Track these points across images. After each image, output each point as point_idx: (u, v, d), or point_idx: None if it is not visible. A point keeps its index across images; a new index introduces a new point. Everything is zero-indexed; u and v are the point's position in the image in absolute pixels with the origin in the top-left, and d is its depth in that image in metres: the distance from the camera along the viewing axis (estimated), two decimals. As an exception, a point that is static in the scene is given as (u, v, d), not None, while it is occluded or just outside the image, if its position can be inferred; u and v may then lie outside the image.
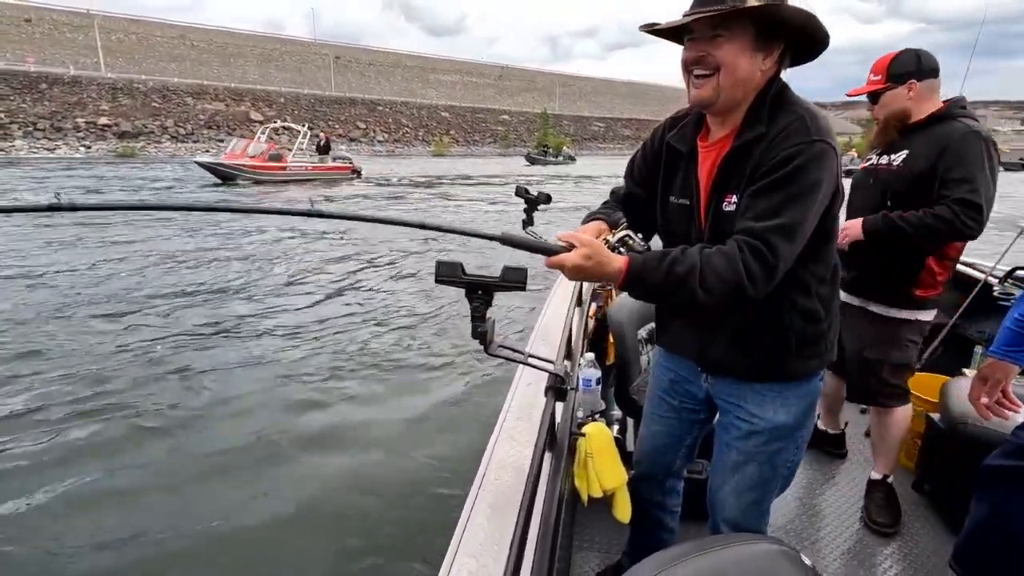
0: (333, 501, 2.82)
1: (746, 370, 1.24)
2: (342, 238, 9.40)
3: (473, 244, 9.19)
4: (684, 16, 1.06)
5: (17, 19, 45.41)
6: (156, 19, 56.46)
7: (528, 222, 2.18)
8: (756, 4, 1.00)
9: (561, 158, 37.71)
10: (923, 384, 2.27)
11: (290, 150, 19.92)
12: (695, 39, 1.07)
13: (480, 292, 1.10)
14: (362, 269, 7.51)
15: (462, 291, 1.10)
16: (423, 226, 1.17)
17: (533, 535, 0.96)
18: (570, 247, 1.05)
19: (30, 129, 30.36)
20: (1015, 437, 1.19)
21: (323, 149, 21.73)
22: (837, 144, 1.07)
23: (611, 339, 2.16)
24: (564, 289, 2.34)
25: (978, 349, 2.63)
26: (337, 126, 44.20)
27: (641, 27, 1.16)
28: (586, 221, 1.33)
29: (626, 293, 1.17)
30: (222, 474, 3.02)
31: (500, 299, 1.11)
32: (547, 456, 1.20)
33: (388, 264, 7.84)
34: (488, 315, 1.09)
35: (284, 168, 18.91)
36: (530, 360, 1.26)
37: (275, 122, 23.40)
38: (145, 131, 33.79)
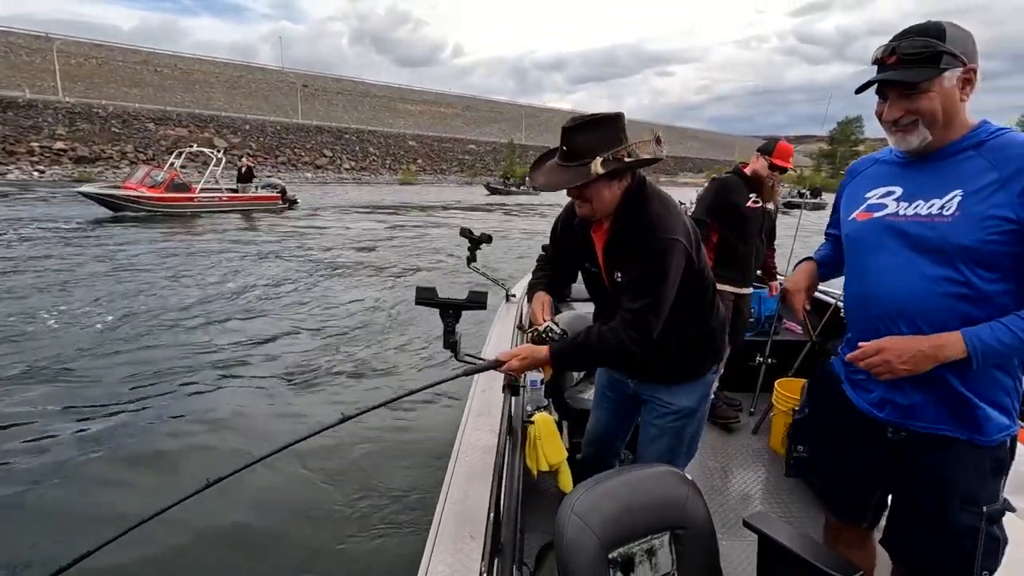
0: (331, 471, 3.32)
1: (659, 377, 1.72)
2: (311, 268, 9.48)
3: (440, 276, 9.50)
4: (554, 170, 1.46)
5: (-30, 41, 44.26)
6: (118, 44, 55.70)
7: (471, 259, 2.59)
8: (600, 171, 1.36)
9: (524, 188, 38.41)
10: (791, 387, 2.85)
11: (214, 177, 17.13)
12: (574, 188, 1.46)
13: (451, 311, 1.47)
14: (346, 290, 7.67)
15: (435, 311, 1.46)
16: (381, 406, 1.43)
17: (504, 494, 1.23)
18: (509, 358, 1.47)
19: (-20, 152, 29.42)
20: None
21: (244, 177, 18.53)
22: (681, 232, 1.44)
23: None
24: (507, 314, 2.76)
25: (834, 359, 3.13)
26: (303, 153, 44.17)
27: (531, 181, 1.54)
28: (531, 291, 1.79)
29: (561, 315, 1.75)
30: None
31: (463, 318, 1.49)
32: (507, 439, 1.53)
33: (367, 290, 8.02)
34: (456, 330, 1.46)
35: (191, 199, 16.15)
36: (488, 365, 1.58)
37: (191, 146, 19.76)
38: (103, 156, 33.14)
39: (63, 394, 4.21)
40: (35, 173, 29.31)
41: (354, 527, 2.84)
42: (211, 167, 17.54)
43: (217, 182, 17.83)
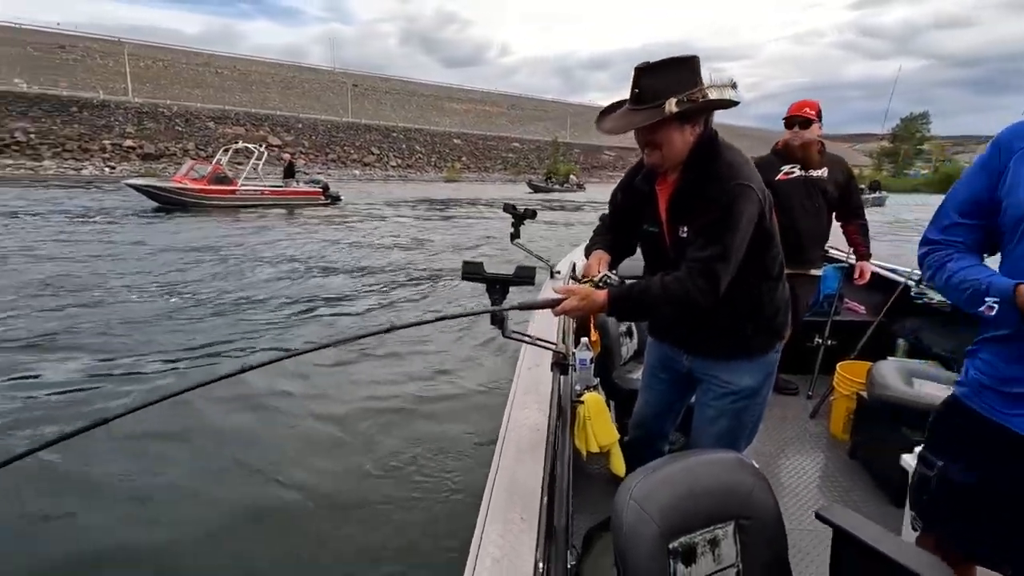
0: (379, 446, 3.37)
1: (718, 352, 1.62)
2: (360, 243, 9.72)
3: (486, 251, 9.57)
4: (624, 114, 1.42)
5: (51, 46, 47.54)
6: (183, 47, 58.75)
7: (515, 235, 2.54)
8: (675, 110, 1.31)
9: (568, 185, 38.15)
10: (854, 370, 2.68)
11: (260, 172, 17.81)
12: (638, 128, 1.40)
13: (498, 286, 1.43)
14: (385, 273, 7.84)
15: (481, 287, 1.43)
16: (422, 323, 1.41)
17: (556, 475, 1.22)
18: (566, 296, 1.42)
19: (59, 150, 31.56)
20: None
21: (288, 172, 19.64)
22: (755, 181, 1.38)
23: (593, 333, 2.53)
24: (550, 293, 2.67)
25: (900, 341, 2.99)
26: (352, 151, 45.29)
27: (598, 126, 1.50)
28: (589, 249, 1.71)
29: None
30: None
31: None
32: (557, 418, 1.50)
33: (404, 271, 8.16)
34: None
35: (233, 192, 16.62)
36: (538, 342, 1.61)
37: (237, 142, 20.25)
38: (167, 153, 34.92)
39: (109, 355, 4.47)
40: (107, 169, 31.18)
41: (403, 504, 2.85)
42: (252, 161, 18.06)
43: (260, 177, 18.28)
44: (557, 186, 37.45)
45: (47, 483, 2.88)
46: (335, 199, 19.06)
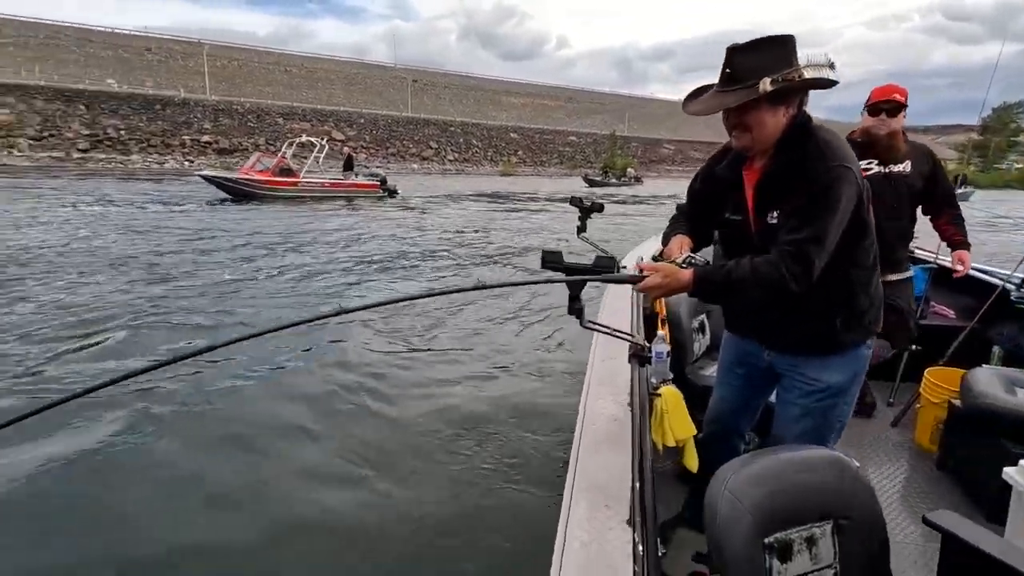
0: (454, 437, 3.32)
1: (804, 346, 1.53)
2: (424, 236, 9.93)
3: (544, 243, 9.57)
4: (714, 95, 1.36)
5: (140, 48, 51.11)
6: (255, 47, 61.76)
7: (581, 228, 2.53)
8: (769, 89, 1.25)
9: (625, 179, 37.49)
10: (945, 377, 2.49)
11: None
12: (728, 110, 1.35)
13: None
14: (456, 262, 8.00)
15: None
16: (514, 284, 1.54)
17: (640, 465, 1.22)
18: (650, 271, 1.37)
19: (144, 145, 33.98)
20: None
21: (347, 165, 20.15)
22: (854, 163, 1.31)
23: (660, 327, 2.47)
24: (619, 289, 2.65)
25: (996, 348, 2.74)
26: (411, 145, 46.30)
27: (685, 108, 1.46)
28: (667, 237, 1.63)
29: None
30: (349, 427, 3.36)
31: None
32: (636, 411, 1.49)
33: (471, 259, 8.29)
34: (581, 296, 1.39)
35: (295, 184, 17.21)
36: (617, 333, 1.59)
37: (301, 136, 20.96)
38: (240, 148, 36.88)
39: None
40: (186, 163, 33.27)
41: (481, 493, 2.78)
42: (313, 154, 18.66)
43: (321, 169, 18.99)
44: (614, 180, 36.93)
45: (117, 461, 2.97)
46: (392, 192, 19.35)
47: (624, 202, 23.63)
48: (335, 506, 2.66)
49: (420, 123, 50.38)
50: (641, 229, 13.73)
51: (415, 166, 43.27)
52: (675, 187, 35.65)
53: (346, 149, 23.43)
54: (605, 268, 1.40)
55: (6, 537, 2.41)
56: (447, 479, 2.91)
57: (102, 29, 53.24)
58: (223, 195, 16.49)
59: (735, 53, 1.32)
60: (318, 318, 1.16)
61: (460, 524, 2.56)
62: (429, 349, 4.79)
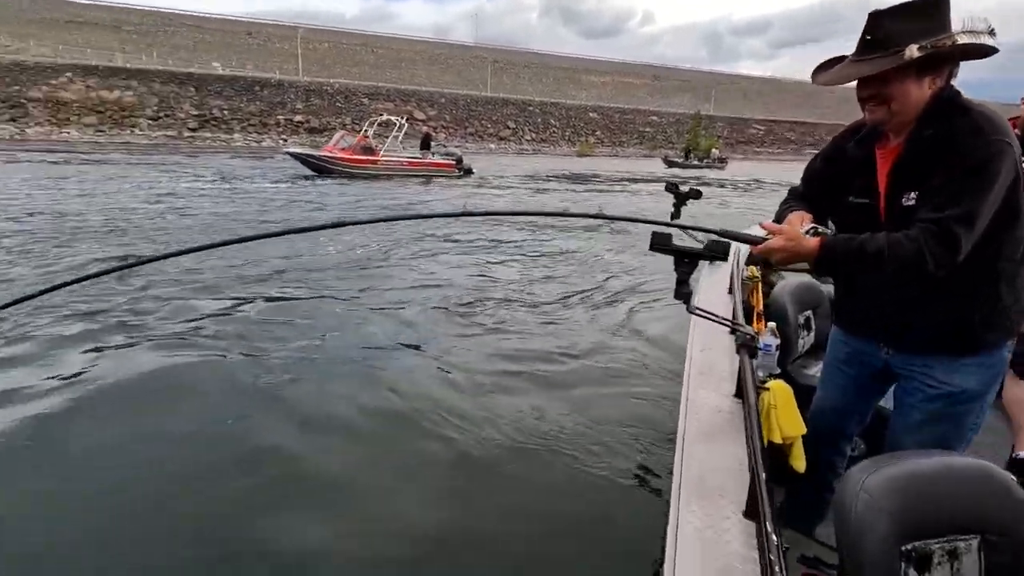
0: (554, 423, 3.18)
1: (934, 345, 1.36)
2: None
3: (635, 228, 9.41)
4: (850, 64, 1.26)
5: (242, 32, 54.60)
6: (345, 29, 64.20)
7: (675, 215, 2.42)
8: (916, 56, 1.13)
9: (707, 161, 35.81)
10: None
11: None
12: (865, 80, 1.23)
13: (687, 260, 1.39)
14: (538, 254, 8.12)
15: (662, 258, 1.40)
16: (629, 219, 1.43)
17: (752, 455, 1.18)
18: (774, 232, 1.29)
19: (244, 124, 36.49)
20: None
21: (424, 144, 20.24)
22: (1014, 140, 1.18)
23: (756, 321, 2.39)
24: (713, 273, 2.60)
25: None
26: (489, 125, 46.61)
27: (814, 79, 1.38)
28: (782, 212, 1.51)
29: (786, 282, 1.45)
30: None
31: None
32: (742, 401, 1.45)
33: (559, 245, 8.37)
34: (690, 280, 1.38)
35: (375, 162, 17.65)
36: (726, 322, 1.57)
37: (382, 115, 21.33)
38: (329, 127, 38.72)
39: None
40: (280, 141, 35.41)
41: (586, 480, 2.70)
42: (393, 133, 19.17)
43: (401, 148, 19.47)
44: (696, 161, 35.38)
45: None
46: (467, 171, 19.44)
47: (709, 184, 22.59)
48: (434, 500, 2.57)
49: (499, 103, 50.53)
50: (726, 215, 13.12)
51: (492, 146, 43.59)
52: (762, 170, 33.68)
53: (424, 128, 23.85)
54: (718, 253, 1.35)
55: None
56: (539, 467, 2.81)
57: (210, 16, 57.32)
58: (308, 171, 17.38)
59: (879, 17, 1.21)
60: (398, 219, 1.14)
61: (562, 514, 2.49)
62: (513, 333, 4.69)
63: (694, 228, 1.40)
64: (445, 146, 24.96)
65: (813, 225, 1.34)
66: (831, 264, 1.28)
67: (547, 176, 23.01)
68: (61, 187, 12.15)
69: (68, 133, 30.41)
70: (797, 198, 1.55)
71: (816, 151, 1.65)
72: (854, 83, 1.28)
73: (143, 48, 45.66)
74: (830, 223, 1.35)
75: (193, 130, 34.63)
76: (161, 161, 20.58)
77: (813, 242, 1.25)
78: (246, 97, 38.63)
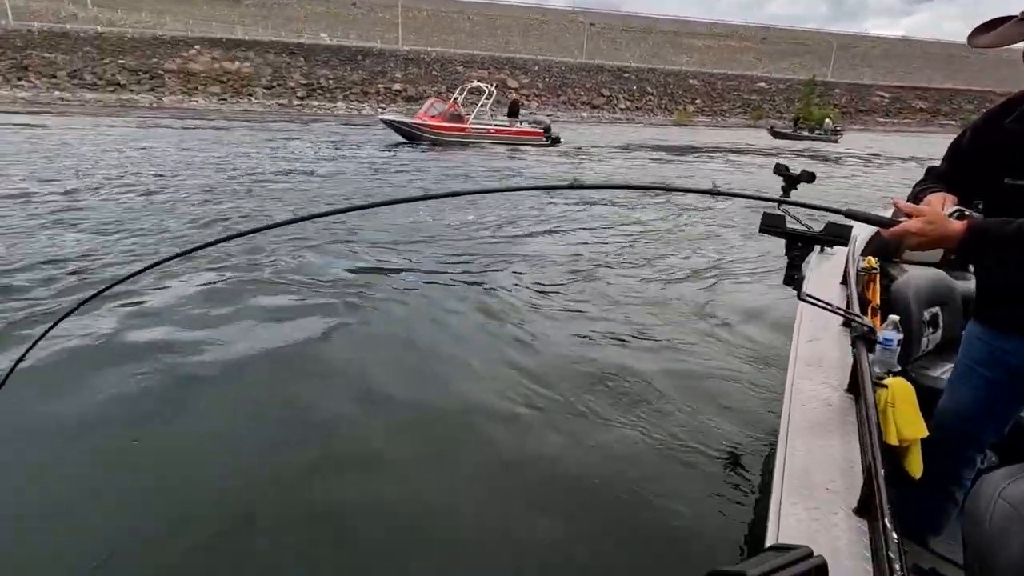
0: (653, 411, 3.10)
1: None
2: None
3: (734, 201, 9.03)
4: (1015, 24, 1.14)
5: (346, 3, 56.67)
6: (443, -4, 64.63)
7: (785, 199, 2.29)
8: None
9: (819, 132, 32.87)
10: None
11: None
12: None
13: (800, 244, 1.30)
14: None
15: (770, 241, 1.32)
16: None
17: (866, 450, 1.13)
18: (912, 214, 1.18)
19: (347, 93, 38.20)
20: None
21: (512, 112, 19.66)
22: None
23: (871, 315, 2.28)
24: (822, 263, 2.48)
25: None
26: (583, 93, 45.52)
27: (971, 42, 1.26)
28: (917, 193, 1.40)
29: (909, 275, 1.35)
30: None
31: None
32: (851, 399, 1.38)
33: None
34: (803, 266, 1.29)
35: (463, 130, 17.61)
36: (841, 311, 1.50)
37: (472, 82, 21.06)
38: (424, 96, 39.59)
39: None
40: (379, 109, 36.77)
41: (685, 470, 2.63)
42: (482, 100, 19.02)
43: (489, 115, 19.42)
44: (806, 132, 32.56)
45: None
46: (555, 140, 19.01)
47: (818, 157, 20.78)
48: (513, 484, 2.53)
49: (594, 69, 49.10)
50: (845, 195, 12.09)
51: (584, 114, 42.64)
52: (882, 143, 30.47)
53: (512, 95, 23.62)
54: (837, 237, 1.24)
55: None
56: (627, 447, 2.76)
57: (318, -13, 59.79)
58: (400, 139, 17.95)
59: None
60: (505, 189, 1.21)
61: (650, 495, 2.42)
62: (604, 308, 4.69)
63: (815, 207, 1.31)
64: (534, 114, 24.56)
65: (959, 208, 1.22)
66: (980, 250, 1.17)
67: (641, 146, 22.20)
68: (200, 149, 13.70)
69: (196, 101, 33.36)
70: (936, 179, 1.43)
71: (950, 122, 1.49)
72: (1017, 47, 1.15)
73: (259, 20, 48.78)
74: (977, 207, 1.23)
75: (301, 98, 36.76)
76: (278, 128, 22.15)
77: (958, 225, 1.14)
78: (349, 66, 40.29)
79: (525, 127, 19.38)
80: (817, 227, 1.33)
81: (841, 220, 1.30)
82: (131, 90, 32.51)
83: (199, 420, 2.97)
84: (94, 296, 1.53)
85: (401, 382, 3.39)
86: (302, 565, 2.08)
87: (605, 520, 2.32)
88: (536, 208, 8.66)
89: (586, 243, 6.93)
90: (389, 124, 18.02)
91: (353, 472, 2.60)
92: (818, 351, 1.62)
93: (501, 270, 5.64)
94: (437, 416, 3.05)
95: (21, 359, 1.51)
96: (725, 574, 0.31)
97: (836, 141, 31.83)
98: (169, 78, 34.40)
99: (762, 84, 53.46)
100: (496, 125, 18.98)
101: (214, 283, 4.76)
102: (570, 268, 5.80)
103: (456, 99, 19.70)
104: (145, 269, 1.55)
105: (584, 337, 4.13)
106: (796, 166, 1.77)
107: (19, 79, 30.53)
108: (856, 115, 50.08)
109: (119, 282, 1.55)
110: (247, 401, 3.16)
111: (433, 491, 2.49)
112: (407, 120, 17.98)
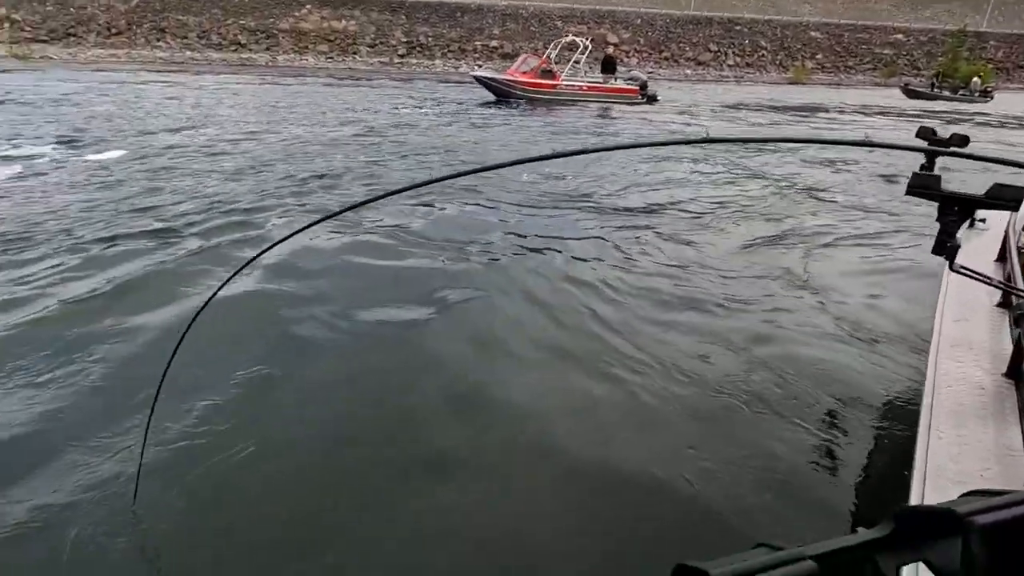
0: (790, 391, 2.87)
1: None
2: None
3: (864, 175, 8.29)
4: None
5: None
6: (545, -53, 62.32)
7: (928, 167, 2.04)
8: None
9: (964, 92, 28.66)
10: None
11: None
12: None
13: (956, 208, 1.19)
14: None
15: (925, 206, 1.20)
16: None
17: None
18: None
19: (445, 50, 38.47)
20: None
21: (606, 67, 18.80)
22: None
23: None
24: (971, 239, 2.26)
25: None
26: (688, 48, 42.71)
27: None
28: None
29: None
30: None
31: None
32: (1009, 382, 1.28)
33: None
34: (958, 234, 1.18)
35: (554, 86, 17.16)
36: (1002, 285, 1.39)
37: (567, 36, 20.13)
38: (520, 53, 39.05)
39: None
40: (476, 67, 36.75)
41: (823, 449, 2.48)
42: (576, 55, 18.26)
43: (585, 72, 18.78)
44: (947, 92, 28.61)
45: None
46: (652, 98, 18.02)
47: (968, 121, 18.09)
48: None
49: (701, 22, 45.71)
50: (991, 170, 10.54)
51: (688, 71, 40.10)
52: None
53: (609, 50, 22.35)
54: (1006, 200, 1.11)
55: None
56: (742, 425, 2.62)
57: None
58: (490, 96, 17.81)
59: None
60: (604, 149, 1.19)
61: (769, 480, 2.27)
62: (722, 269, 4.45)
63: (984, 158, 1.16)
64: (630, 69, 23.50)
65: None
66: None
67: (753, 106, 20.52)
68: (317, 104, 14.93)
69: (306, 60, 35.08)
70: None
71: None
72: None
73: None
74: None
75: (402, 56, 37.53)
76: (381, 84, 22.96)
77: None
78: (448, 23, 40.36)
79: (620, 84, 18.64)
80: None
81: (1008, 181, 1.15)
82: (250, 49, 34.80)
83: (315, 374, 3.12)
84: (271, 247, 1.75)
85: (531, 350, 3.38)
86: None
87: (733, 508, 2.16)
88: (632, 168, 8.34)
89: (695, 199, 6.70)
90: (480, 81, 17.91)
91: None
92: (967, 331, 1.50)
93: (619, 239, 5.26)
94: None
95: (211, 298, 1.79)
96: (691, 570, 0.30)
97: (986, 101, 27.69)
98: (283, 37, 36.31)
99: (899, 36, 47.26)
100: (589, 82, 18.32)
101: (358, 237, 5.04)
102: (676, 224, 5.63)
103: (549, 54, 19.18)
104: (319, 221, 1.70)
105: (691, 294, 4.02)
106: (943, 132, 1.54)
107: (158, 40, 33.59)
108: (1015, 71, 43.18)
109: (297, 232, 1.71)
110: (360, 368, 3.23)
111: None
112: (497, 76, 17.91)
